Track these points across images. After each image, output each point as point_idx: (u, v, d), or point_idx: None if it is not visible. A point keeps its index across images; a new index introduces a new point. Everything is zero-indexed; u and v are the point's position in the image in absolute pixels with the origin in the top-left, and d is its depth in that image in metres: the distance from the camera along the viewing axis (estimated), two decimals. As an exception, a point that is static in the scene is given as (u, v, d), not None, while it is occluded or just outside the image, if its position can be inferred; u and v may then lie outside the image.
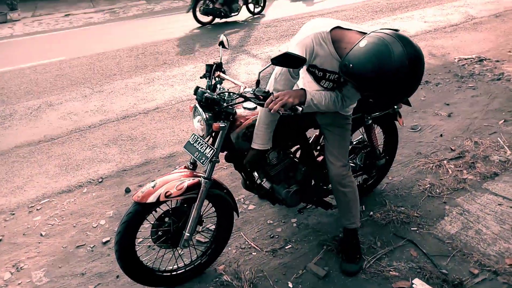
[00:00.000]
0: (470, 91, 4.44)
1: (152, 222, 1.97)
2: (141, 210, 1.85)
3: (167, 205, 1.95)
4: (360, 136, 2.69)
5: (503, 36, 6.37)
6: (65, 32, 9.17)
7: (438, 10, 8.52)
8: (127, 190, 3.06)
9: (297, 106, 1.68)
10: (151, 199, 1.79)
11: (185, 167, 2.00)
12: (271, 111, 1.66)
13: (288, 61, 1.59)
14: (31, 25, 10.18)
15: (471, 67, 5.14)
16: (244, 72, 5.52)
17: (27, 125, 4.39)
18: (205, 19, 8.53)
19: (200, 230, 2.27)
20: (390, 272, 2.16)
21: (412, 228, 2.47)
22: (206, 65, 2.08)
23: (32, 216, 2.86)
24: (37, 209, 2.93)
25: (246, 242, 2.45)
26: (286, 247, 2.40)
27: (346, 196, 2.16)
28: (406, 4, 9.37)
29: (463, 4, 8.82)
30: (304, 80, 2.01)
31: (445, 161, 3.14)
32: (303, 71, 1.97)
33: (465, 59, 5.44)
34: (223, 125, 1.84)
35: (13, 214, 2.90)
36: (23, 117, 4.61)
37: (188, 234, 1.93)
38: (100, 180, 3.25)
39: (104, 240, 2.54)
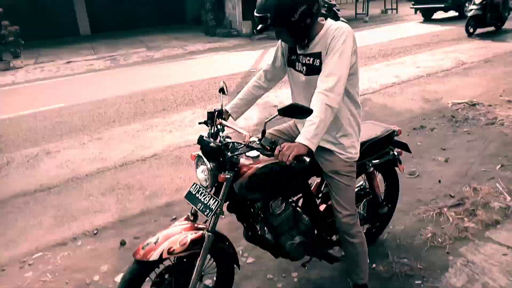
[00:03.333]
0: (465, 136, 4.49)
1: (152, 280, 1.90)
2: (143, 267, 1.79)
3: (169, 259, 1.89)
4: (361, 183, 2.66)
5: (494, 81, 6.55)
6: (66, 79, 9.36)
7: (429, 56, 8.81)
8: (122, 243, 2.99)
9: (305, 157, 1.68)
10: (154, 256, 1.72)
11: (186, 219, 1.95)
12: (287, 163, 1.66)
13: (295, 111, 1.64)
14: (33, 72, 10.41)
15: (464, 112, 5.23)
16: (242, 117, 5.57)
17: (23, 174, 4.36)
18: None
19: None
20: (396, 331, 2.07)
21: (416, 282, 2.40)
22: (208, 112, 2.08)
23: (23, 272, 2.76)
24: (29, 264, 2.83)
25: (245, 298, 2.36)
26: (287, 304, 2.30)
27: (355, 248, 2.10)
28: (398, 50, 9.70)
29: (453, 50, 9.14)
30: (290, 80, 2.12)
31: (445, 209, 3.11)
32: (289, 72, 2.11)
33: (458, 103, 5.55)
34: (229, 176, 1.81)
35: (4, 270, 2.80)
36: (20, 165, 4.59)
37: None
38: (95, 231, 3.18)
39: (97, 297, 2.45)
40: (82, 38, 16.59)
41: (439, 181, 3.55)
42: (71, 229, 3.24)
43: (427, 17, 15.04)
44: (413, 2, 14.98)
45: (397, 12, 18.26)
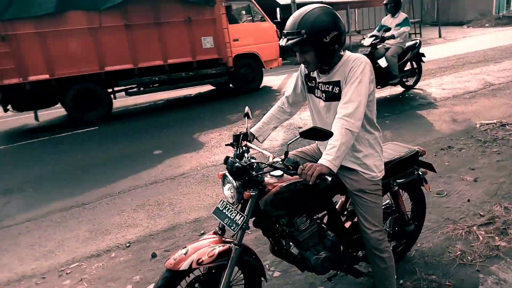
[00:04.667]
0: (495, 156, 4.43)
1: None
2: (174, 276, 1.88)
3: (199, 270, 1.98)
4: (387, 201, 2.69)
5: (524, 101, 6.44)
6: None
7: (455, 78, 8.76)
8: (153, 255, 3.10)
9: (326, 176, 1.76)
10: (184, 266, 1.82)
11: (214, 233, 2.04)
12: (310, 182, 1.74)
13: (315, 134, 1.73)
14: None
15: (493, 132, 5.16)
16: (266, 138, 5.69)
17: (60, 191, 4.58)
18: None
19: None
20: None
21: (445, 298, 2.37)
22: (234, 135, 2.21)
23: (62, 280, 2.91)
24: (66, 273, 2.98)
25: (273, 311, 2.40)
26: (314, 317, 2.32)
27: (384, 262, 2.13)
28: (423, 72, 9.68)
29: (480, 72, 9.05)
30: (310, 105, 2.21)
31: (474, 227, 3.06)
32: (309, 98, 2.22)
33: (487, 124, 5.48)
34: (254, 193, 1.91)
35: (44, 278, 2.96)
36: (57, 183, 4.83)
37: None
38: (127, 245, 3.31)
39: (130, 306, 2.54)
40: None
41: (468, 200, 3.50)
42: (105, 242, 3.39)
43: None
44: None
45: (420, 36, 18.27)
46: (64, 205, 4.19)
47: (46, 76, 7.21)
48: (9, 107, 7.46)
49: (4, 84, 6.89)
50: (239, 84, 9.37)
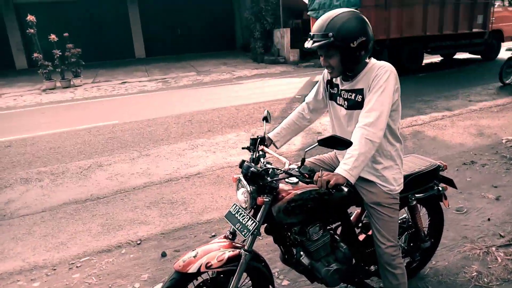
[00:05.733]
0: (519, 174, 4.26)
1: None
2: (182, 278, 1.87)
3: (207, 273, 1.96)
4: (404, 215, 2.61)
5: (553, 118, 6.19)
6: (120, 98, 9.95)
7: (483, 89, 8.51)
8: (163, 255, 3.10)
9: (343, 187, 1.71)
10: (192, 269, 1.80)
11: (225, 237, 2.02)
12: (321, 188, 1.70)
13: (334, 142, 1.68)
14: (90, 90, 11.18)
15: (519, 149, 4.97)
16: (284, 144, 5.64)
17: (76, 183, 4.65)
18: None
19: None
20: None
21: (459, 321, 2.28)
22: (251, 139, 2.18)
23: (71, 273, 2.94)
24: (77, 267, 3.01)
25: (279, 321, 2.35)
26: (321, 330, 2.27)
27: (397, 279, 2.07)
28: (450, 82, 9.45)
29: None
30: (331, 113, 2.17)
31: (493, 248, 2.95)
32: (329, 104, 2.18)
33: (513, 140, 5.29)
34: (267, 199, 1.88)
35: (55, 269, 2.99)
36: (73, 175, 4.91)
37: None
38: (138, 242, 3.32)
39: (136, 304, 2.54)
40: (137, 60, 17.64)
41: (488, 219, 3.38)
42: (116, 238, 3.41)
43: None
44: None
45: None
46: (78, 198, 4.25)
47: (398, 35, 10.39)
48: None
49: (379, 39, 9.86)
50: (488, 53, 12.63)
